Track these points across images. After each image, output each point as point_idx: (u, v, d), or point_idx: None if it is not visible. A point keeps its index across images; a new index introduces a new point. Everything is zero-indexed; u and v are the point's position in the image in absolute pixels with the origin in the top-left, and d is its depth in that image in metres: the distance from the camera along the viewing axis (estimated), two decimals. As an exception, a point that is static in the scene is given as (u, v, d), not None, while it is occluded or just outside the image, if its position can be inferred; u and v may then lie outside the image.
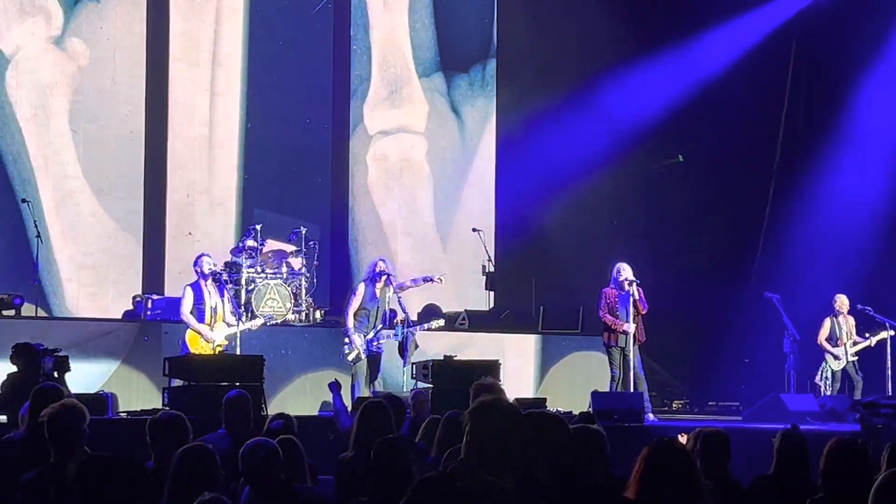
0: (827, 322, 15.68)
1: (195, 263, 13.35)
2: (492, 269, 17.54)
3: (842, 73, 17.99)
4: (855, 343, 15.64)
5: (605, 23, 18.58)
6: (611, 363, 13.67)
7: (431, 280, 14.36)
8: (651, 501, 4.55)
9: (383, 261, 13.95)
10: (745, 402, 15.32)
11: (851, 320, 15.70)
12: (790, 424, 6.93)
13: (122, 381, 13.86)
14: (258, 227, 15.20)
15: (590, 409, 12.39)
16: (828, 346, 15.62)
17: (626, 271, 13.60)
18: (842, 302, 15.65)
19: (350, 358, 13.53)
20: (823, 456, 5.85)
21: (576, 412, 12.70)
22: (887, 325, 15.43)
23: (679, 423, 13.45)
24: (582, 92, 18.62)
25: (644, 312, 13.55)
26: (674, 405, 16.89)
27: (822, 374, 15.67)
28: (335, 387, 10.12)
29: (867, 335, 15.60)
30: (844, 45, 17.84)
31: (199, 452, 5.37)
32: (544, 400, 13.61)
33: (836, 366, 15.59)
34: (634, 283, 13.53)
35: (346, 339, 13.53)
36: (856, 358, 15.65)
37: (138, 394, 13.78)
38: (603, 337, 13.76)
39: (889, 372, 15.28)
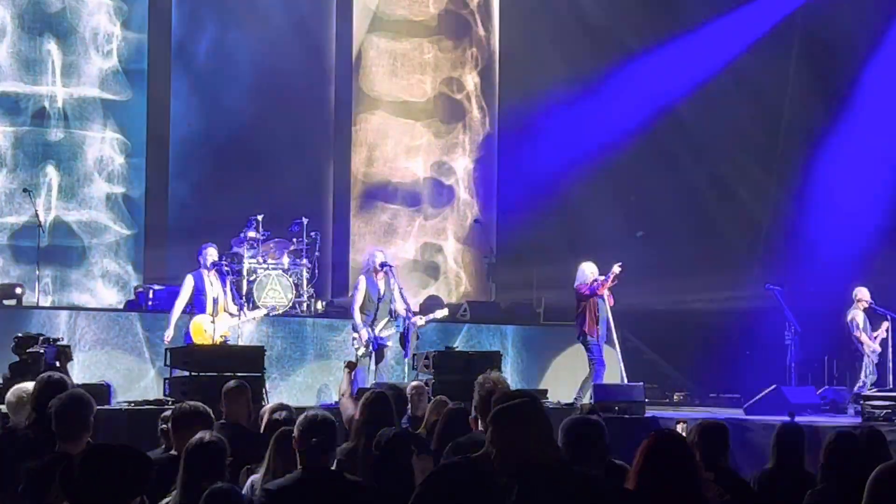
0: (860, 315, 15.21)
1: (199, 253, 13.33)
2: (493, 260, 17.55)
3: (848, 63, 17.99)
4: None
5: (609, 15, 18.59)
6: (589, 353, 13.77)
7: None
8: (652, 492, 4.57)
9: (381, 251, 13.70)
10: (746, 395, 15.31)
11: None
12: (787, 413, 6.97)
13: (122, 370, 13.88)
14: (259, 217, 15.16)
15: (591, 402, 12.43)
16: (867, 340, 15.15)
17: (595, 272, 13.74)
18: (864, 294, 15.24)
19: (360, 353, 13.27)
20: (823, 449, 5.88)
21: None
22: (888, 316, 15.32)
23: (679, 414, 13.47)
24: (585, 84, 18.64)
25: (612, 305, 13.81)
26: (675, 397, 16.87)
27: (865, 371, 15.14)
28: (350, 367, 9.72)
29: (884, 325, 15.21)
30: (850, 33, 17.83)
31: (210, 443, 5.40)
32: (545, 391, 13.63)
33: (875, 359, 15.15)
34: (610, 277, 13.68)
35: (355, 335, 13.32)
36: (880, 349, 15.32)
37: (139, 384, 13.81)
38: (583, 331, 13.84)
39: (891, 364, 15.17)
